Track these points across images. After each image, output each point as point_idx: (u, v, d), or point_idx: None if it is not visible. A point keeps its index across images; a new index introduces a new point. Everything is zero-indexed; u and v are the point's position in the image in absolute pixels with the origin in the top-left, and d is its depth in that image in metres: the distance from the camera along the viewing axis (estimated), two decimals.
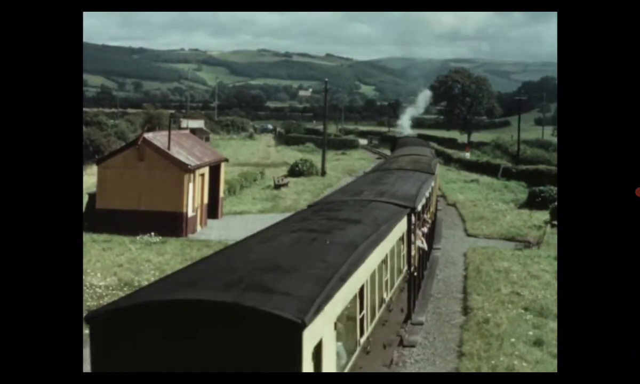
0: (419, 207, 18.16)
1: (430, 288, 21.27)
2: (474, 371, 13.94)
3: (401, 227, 15.01)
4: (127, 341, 7.43)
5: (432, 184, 24.91)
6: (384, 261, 12.55)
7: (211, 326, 7.13)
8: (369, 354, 10.64)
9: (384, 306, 12.33)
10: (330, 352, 8.13)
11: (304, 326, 6.98)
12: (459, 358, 14.92)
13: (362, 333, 10.23)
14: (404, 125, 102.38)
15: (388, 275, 12.92)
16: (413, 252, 16.87)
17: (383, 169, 27.15)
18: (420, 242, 18.79)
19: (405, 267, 15.69)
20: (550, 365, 13.89)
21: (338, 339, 8.66)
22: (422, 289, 20.24)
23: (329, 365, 8.04)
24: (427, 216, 21.75)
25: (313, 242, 10.45)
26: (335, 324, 8.43)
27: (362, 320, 10.22)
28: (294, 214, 15.59)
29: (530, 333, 16.21)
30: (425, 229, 20.38)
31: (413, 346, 15.97)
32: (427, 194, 21.32)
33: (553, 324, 15.90)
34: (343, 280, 8.87)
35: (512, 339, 15.60)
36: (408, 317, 16.65)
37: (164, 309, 7.37)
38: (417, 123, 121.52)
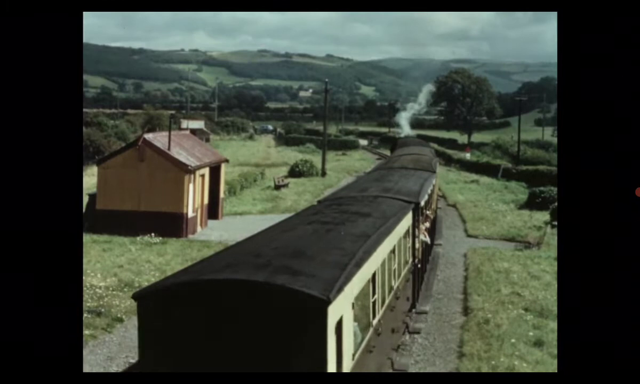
0: (423, 203, 18.94)
1: (433, 280, 22.10)
2: (474, 371, 13.93)
3: (406, 221, 15.82)
4: (171, 316, 8.30)
5: (434, 181, 25.82)
6: (392, 252, 13.40)
7: (245, 303, 8.04)
8: (380, 336, 11.52)
9: (392, 293, 13.27)
10: (349, 328, 9.09)
11: (329, 302, 7.93)
12: (459, 359, 14.92)
13: (374, 315, 11.15)
14: (403, 124, 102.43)
15: (396, 265, 13.90)
16: (417, 245, 17.73)
17: (386, 168, 27.92)
18: (424, 236, 19.51)
19: (411, 259, 16.62)
20: (550, 366, 13.89)
21: (354, 319, 9.48)
22: (425, 281, 21.13)
23: (348, 340, 8.99)
24: (429, 212, 22.57)
25: (329, 233, 11.43)
26: (353, 304, 9.33)
27: (374, 303, 11.17)
28: (307, 208, 16.91)
29: (531, 333, 16.21)
30: (427, 224, 21.21)
31: (418, 333, 16.71)
32: (429, 191, 22.22)
33: (553, 325, 15.90)
34: (358, 266, 9.77)
35: (513, 340, 15.60)
36: (413, 306, 17.56)
37: (204, 287, 8.31)
38: (417, 123, 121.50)
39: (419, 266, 18.55)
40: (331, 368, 8.17)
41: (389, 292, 12.92)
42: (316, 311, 7.89)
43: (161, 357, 8.33)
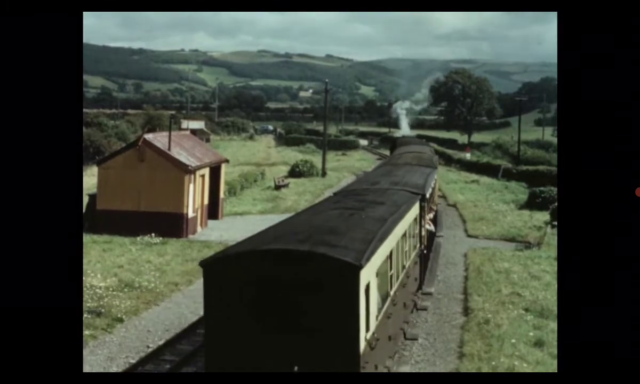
0: (428, 195, 20.92)
1: (436, 266, 24.02)
2: (474, 371, 13.93)
3: (415, 210, 17.58)
4: (231, 280, 10.06)
5: (435, 176, 28.02)
6: (404, 235, 15.15)
7: (293, 268, 9.83)
8: (395, 306, 13.42)
9: (404, 271, 15.13)
10: (374, 293, 10.93)
11: (360, 267, 9.79)
12: (460, 359, 14.91)
13: (391, 287, 13.00)
14: (402, 119, 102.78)
15: (407, 247, 15.73)
16: (423, 233, 19.69)
17: (391, 164, 29.82)
18: (429, 225, 21.50)
19: (418, 245, 18.44)
20: (550, 366, 13.88)
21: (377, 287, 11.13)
22: (430, 266, 23.03)
23: (373, 303, 10.79)
24: (432, 205, 24.47)
25: (352, 216, 13.20)
26: (377, 273, 11.09)
27: (391, 277, 13.01)
28: (328, 198, 19.13)
29: (531, 333, 16.20)
30: (431, 215, 23.28)
31: (425, 309, 18.81)
32: (432, 185, 24.45)
33: (554, 325, 15.88)
34: (380, 242, 11.57)
35: (513, 340, 15.59)
36: (420, 287, 19.55)
37: (259, 255, 10.13)
38: (417, 123, 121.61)
39: (425, 251, 20.63)
40: (362, 322, 9.87)
41: (402, 269, 14.78)
42: (351, 274, 9.73)
43: (222, 314, 10.03)
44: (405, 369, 14.63)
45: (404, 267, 15.02)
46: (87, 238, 25.41)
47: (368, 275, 10.32)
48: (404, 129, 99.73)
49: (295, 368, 9.68)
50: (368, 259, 10.25)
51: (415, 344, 16.05)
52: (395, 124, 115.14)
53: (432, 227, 22.93)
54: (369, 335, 10.36)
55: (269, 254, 10.10)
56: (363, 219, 13.10)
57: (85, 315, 16.48)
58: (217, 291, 10.12)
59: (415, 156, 33.36)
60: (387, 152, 64.81)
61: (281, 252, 10.07)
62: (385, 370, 12.17)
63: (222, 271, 10.23)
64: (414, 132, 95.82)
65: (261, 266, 9.97)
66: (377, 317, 11.12)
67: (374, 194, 17.26)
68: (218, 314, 10.08)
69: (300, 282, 9.77)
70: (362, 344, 9.89)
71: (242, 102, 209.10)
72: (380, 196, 16.97)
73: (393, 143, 58.22)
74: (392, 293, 12.99)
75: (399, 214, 14.90)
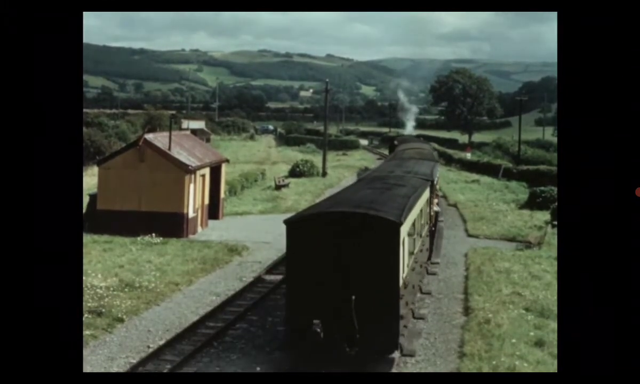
0: (435, 181, 25.51)
1: (440, 242, 27.99)
2: (475, 371, 13.93)
3: (426, 193, 21.13)
4: (308, 235, 13.90)
5: (438, 168, 32.75)
6: (421, 211, 19.05)
7: (353, 226, 13.65)
8: (416, 263, 17.55)
9: (420, 239, 19.05)
10: (407, 247, 14.89)
11: (400, 224, 13.80)
12: (460, 359, 14.91)
13: (414, 248, 16.89)
14: (408, 120, 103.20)
15: (422, 221, 19.65)
16: (432, 213, 23.80)
17: (398, 158, 33.22)
18: (435, 207, 25.72)
19: (429, 222, 22.34)
20: (551, 366, 13.87)
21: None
22: (435, 244, 26.33)
23: (405, 253, 14.71)
24: (436, 192, 28.42)
25: (384, 193, 17.16)
26: (407, 234, 14.97)
27: (414, 240, 16.96)
28: (357, 181, 23.81)
29: (532, 333, 16.20)
30: (437, 200, 27.32)
31: (435, 274, 22.79)
32: (437, 174, 28.89)
33: (554, 325, 15.87)
34: (409, 211, 15.31)
35: (513, 340, 15.58)
36: (429, 257, 23.59)
37: (329, 216, 14.06)
38: (418, 123, 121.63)
39: (433, 229, 24.90)
40: (401, 265, 13.83)
41: (419, 238, 18.63)
42: (394, 229, 13.71)
43: (301, 259, 13.82)
44: (424, 312, 18.43)
45: (420, 235, 19.10)
46: (87, 238, 25.41)
47: (403, 232, 14.19)
48: (408, 130, 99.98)
49: (353, 297, 13.26)
50: (404, 220, 14.20)
51: (418, 345, 16.08)
52: (396, 125, 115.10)
53: (438, 208, 27.85)
54: (404, 276, 14.39)
55: (336, 215, 14.05)
56: (393, 194, 17.08)
57: (85, 315, 16.48)
58: (296, 242, 13.92)
59: (418, 151, 37.13)
60: (387, 152, 65.66)
61: (345, 214, 13.98)
62: (411, 311, 16.57)
63: (302, 227, 14.06)
64: (415, 132, 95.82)
65: (330, 224, 13.80)
66: (407, 266, 15.09)
67: (394, 179, 21.17)
68: (297, 259, 13.89)
69: (359, 235, 13.59)
70: (401, 280, 13.87)
71: (243, 102, 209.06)
72: (400, 180, 20.76)
73: (391, 142, 62.26)
74: (415, 252, 16.98)
75: (417, 194, 18.42)
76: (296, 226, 14.08)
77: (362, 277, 13.47)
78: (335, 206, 14.86)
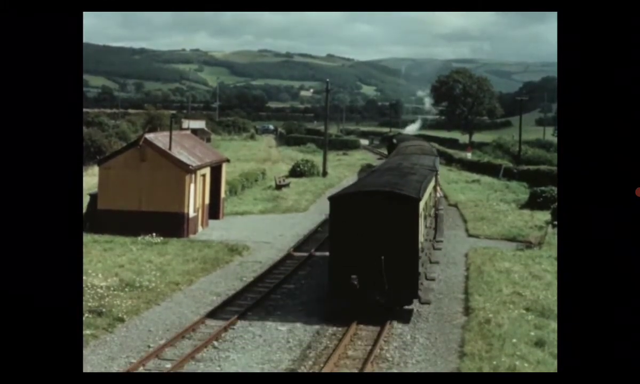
0: (439, 171, 31.37)
1: (443, 226, 30.92)
2: (475, 371, 13.93)
3: (433, 181, 25.12)
4: (347, 210, 17.96)
5: (439, 161, 37.58)
6: (430, 194, 22.90)
7: (381, 202, 17.69)
8: (428, 235, 22.14)
9: (429, 218, 23.15)
10: (422, 219, 18.90)
11: (419, 199, 17.96)
12: (461, 358, 14.91)
13: (426, 222, 21.34)
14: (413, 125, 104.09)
15: (431, 203, 23.98)
16: (437, 198, 28.60)
17: (402, 154, 37.36)
18: (439, 194, 30.68)
19: (434, 206, 26.68)
20: (551, 366, 13.86)
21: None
22: (438, 226, 29.39)
23: (421, 225, 18.58)
24: (438, 182, 32.63)
25: (402, 178, 21.46)
26: (423, 209, 18.89)
27: (426, 216, 21.18)
28: (374, 170, 27.85)
29: (532, 333, 16.20)
30: (439, 187, 32.08)
31: (440, 249, 26.12)
32: (439, 165, 34.21)
33: (554, 325, 15.85)
34: (423, 191, 19.34)
35: (514, 340, 15.58)
36: (435, 236, 26.77)
37: (364, 194, 18.44)
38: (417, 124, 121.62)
39: (437, 213, 28.89)
40: (420, 234, 18.00)
41: (429, 216, 22.79)
42: (414, 204, 17.87)
43: (341, 228, 17.90)
44: (436, 270, 22.77)
45: (429, 215, 23.20)
46: (88, 238, 25.41)
47: (420, 207, 18.10)
48: (408, 130, 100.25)
49: (382, 257, 17.14)
50: (421, 198, 18.27)
51: (416, 343, 16.09)
52: (396, 124, 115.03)
53: (441, 194, 33.55)
54: (421, 241, 18.48)
55: (369, 193, 18.46)
56: (409, 179, 21.32)
57: (86, 315, 16.48)
58: (338, 214, 18.11)
59: (418, 148, 42.50)
60: (386, 151, 67.31)
61: (377, 192, 18.39)
62: (424, 272, 19.85)
63: (342, 203, 18.31)
64: (416, 132, 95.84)
65: (364, 200, 18.02)
66: (422, 235, 19.04)
67: (406, 168, 25.14)
68: (338, 227, 17.97)
69: (387, 208, 17.63)
70: (420, 245, 17.98)
71: (243, 101, 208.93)
72: (410, 170, 24.56)
73: (390, 141, 67.81)
74: (427, 226, 21.27)
75: (427, 180, 22.24)
76: (338, 202, 18.32)
77: (389, 242, 17.37)
78: (366, 187, 19.63)
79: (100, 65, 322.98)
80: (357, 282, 17.26)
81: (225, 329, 16.76)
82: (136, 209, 27.89)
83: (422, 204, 18.29)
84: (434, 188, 26.54)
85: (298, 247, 27.39)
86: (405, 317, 17.72)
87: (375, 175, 23.50)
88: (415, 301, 17.91)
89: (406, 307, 17.84)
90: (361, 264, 17.34)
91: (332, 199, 18.44)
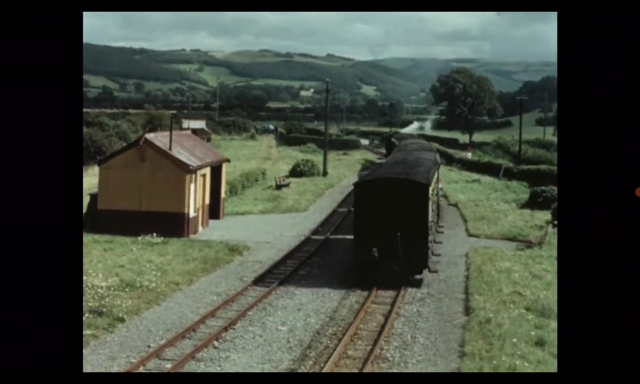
0: (440, 164, 36.63)
1: (444, 214, 35.23)
2: (475, 371, 13.92)
3: (437, 173, 28.93)
4: (369, 193, 21.83)
5: (439, 156, 41.46)
6: (436, 183, 26.70)
7: (397, 187, 21.49)
8: (433, 219, 24.63)
9: (434, 205, 26.45)
10: (431, 202, 22.67)
11: (428, 185, 22.02)
12: (461, 358, 14.91)
13: (432, 206, 23.63)
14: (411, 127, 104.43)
15: (435, 191, 26.92)
16: (439, 188, 31.67)
17: (405, 150, 39.15)
18: (441, 185, 34.58)
19: (437, 196, 30.14)
20: (552, 365, 13.86)
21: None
22: (439, 213, 32.89)
23: (430, 206, 21.97)
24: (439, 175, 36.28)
25: (412, 168, 24.99)
26: (430, 194, 22.00)
27: (432, 203, 23.48)
28: (386, 161, 33.06)
29: (532, 333, 16.19)
30: (440, 179, 35.37)
31: (442, 232, 29.81)
32: (439, 160, 38.42)
33: (555, 325, 15.84)
34: (430, 179, 22.58)
35: (514, 340, 15.58)
36: (437, 222, 29.56)
37: (382, 181, 22.38)
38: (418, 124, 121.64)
39: (439, 202, 32.84)
40: (429, 215, 21.62)
41: (434, 202, 25.73)
42: (424, 189, 21.46)
43: (364, 210, 21.50)
44: (439, 249, 25.66)
45: (435, 202, 26.57)
46: (88, 238, 25.42)
47: (429, 192, 21.57)
48: (408, 130, 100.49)
49: (398, 234, 20.71)
50: (429, 185, 21.77)
51: (416, 344, 16.10)
52: (396, 124, 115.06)
53: (442, 185, 38.50)
54: (430, 220, 21.67)
55: (387, 180, 22.17)
56: (418, 170, 24.42)
57: (86, 315, 16.49)
58: (361, 198, 21.82)
59: (418, 145, 45.59)
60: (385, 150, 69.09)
61: (393, 179, 22.06)
62: (432, 246, 23.31)
63: (364, 188, 22.21)
64: (417, 132, 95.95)
65: (382, 185, 21.65)
66: (430, 215, 21.95)
67: (412, 161, 28.35)
68: (361, 208, 21.62)
69: (401, 192, 21.13)
70: (429, 223, 21.38)
71: (243, 101, 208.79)
72: (417, 162, 28.02)
73: (388, 140, 71.68)
74: (433, 209, 24.18)
75: (432, 171, 25.68)
76: (361, 187, 22.41)
77: (403, 220, 20.88)
78: (384, 174, 23.80)
79: (100, 65, 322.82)
80: (377, 254, 20.83)
81: (225, 329, 16.77)
82: (136, 209, 27.90)
83: (430, 189, 21.97)
84: (437, 178, 30.58)
85: (298, 247, 27.40)
86: (416, 284, 21.12)
87: (388, 165, 28.08)
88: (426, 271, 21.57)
89: (417, 276, 21.31)
90: (380, 239, 20.87)
91: (356, 184, 22.89)
